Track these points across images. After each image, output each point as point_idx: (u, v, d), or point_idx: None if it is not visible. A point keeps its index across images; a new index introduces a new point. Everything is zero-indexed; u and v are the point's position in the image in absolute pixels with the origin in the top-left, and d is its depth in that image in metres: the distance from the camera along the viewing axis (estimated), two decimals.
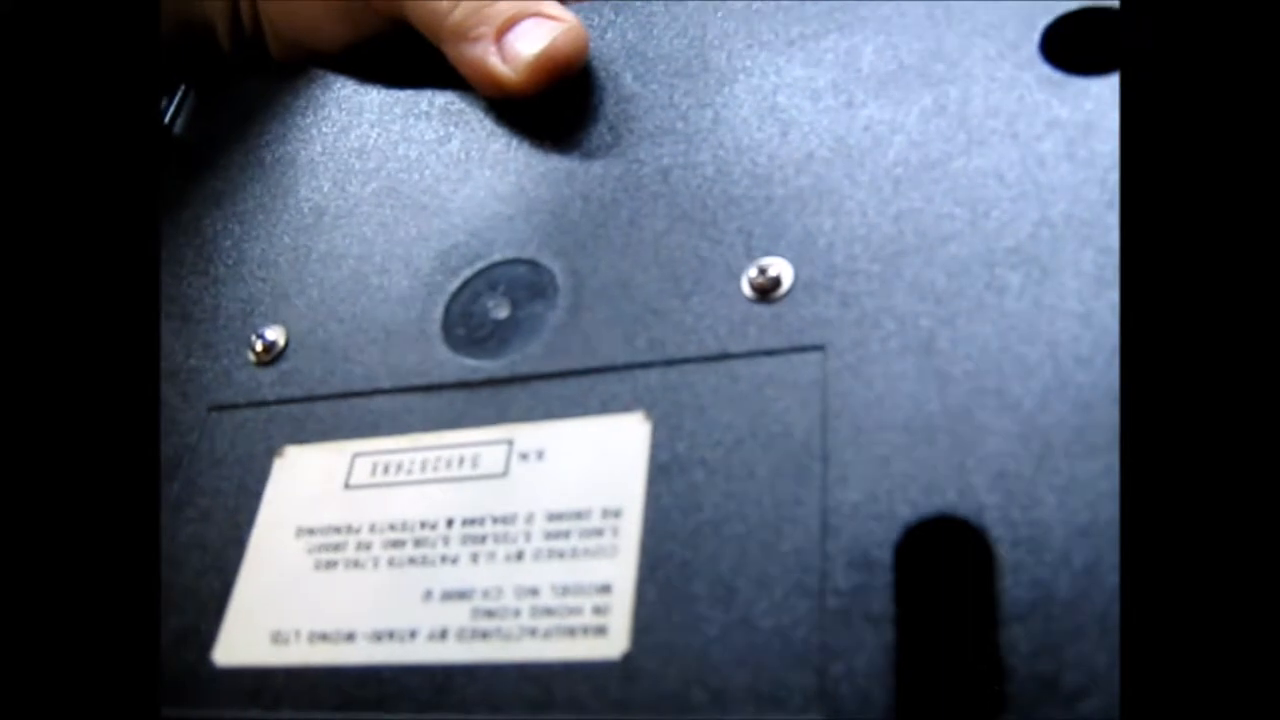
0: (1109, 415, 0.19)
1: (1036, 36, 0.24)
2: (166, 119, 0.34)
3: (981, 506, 0.19)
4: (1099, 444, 0.18)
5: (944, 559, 0.19)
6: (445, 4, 0.28)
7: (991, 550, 0.18)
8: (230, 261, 0.29)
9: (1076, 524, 0.18)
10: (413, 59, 0.30)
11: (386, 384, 0.25)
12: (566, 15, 0.28)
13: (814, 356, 0.21)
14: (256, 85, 0.33)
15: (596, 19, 0.29)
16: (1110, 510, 0.18)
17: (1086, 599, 0.17)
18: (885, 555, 0.19)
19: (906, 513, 0.19)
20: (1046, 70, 0.23)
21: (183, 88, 0.35)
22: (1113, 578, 0.17)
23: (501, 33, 0.28)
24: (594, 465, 0.22)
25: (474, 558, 0.21)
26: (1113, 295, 0.20)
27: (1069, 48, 0.23)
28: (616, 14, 0.29)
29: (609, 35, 0.29)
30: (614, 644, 0.19)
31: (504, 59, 0.27)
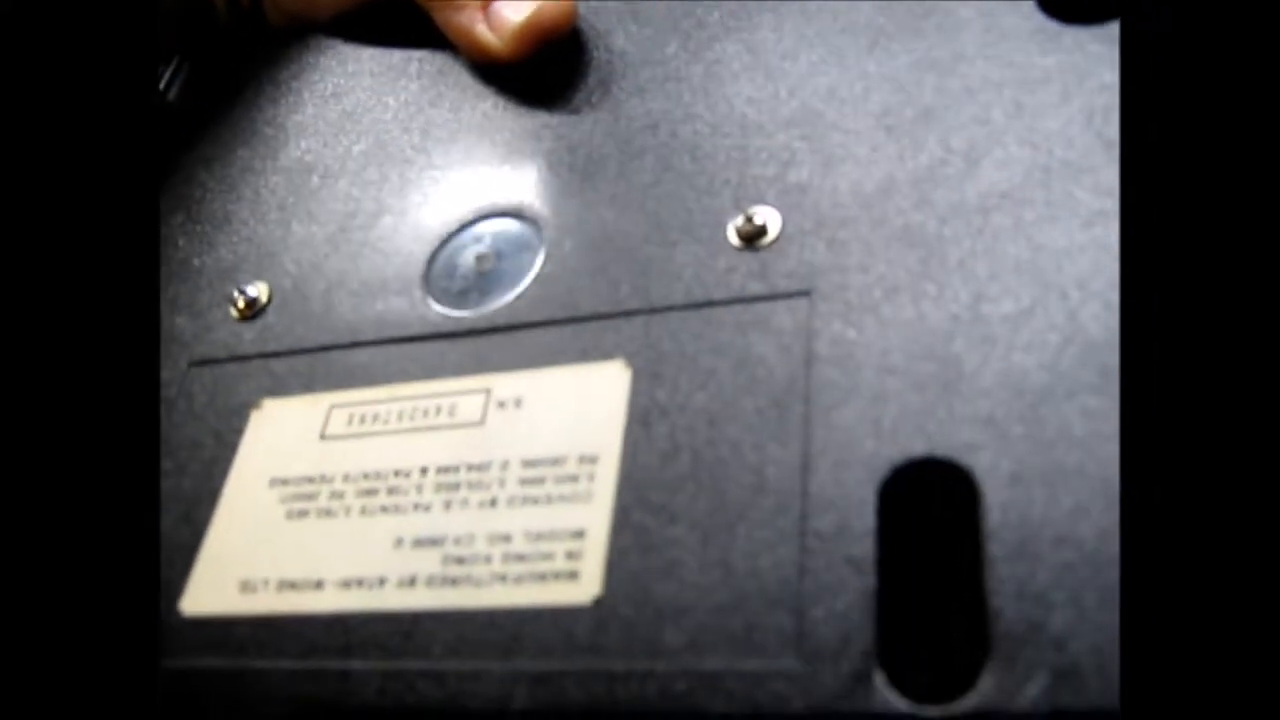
0: (1099, 358, 0.18)
1: None
2: (162, 87, 0.34)
3: (968, 447, 0.18)
4: (1089, 386, 0.18)
5: (929, 501, 0.18)
6: None
7: (978, 491, 0.17)
8: (217, 221, 0.29)
9: (1065, 465, 0.17)
10: (405, 24, 0.30)
11: (367, 337, 0.24)
12: None
13: (800, 302, 0.21)
14: (249, 51, 0.33)
15: None
16: (1100, 452, 0.17)
17: (1075, 540, 0.16)
18: (869, 497, 0.18)
19: (891, 454, 0.18)
20: (1043, 20, 0.23)
21: (178, 58, 0.34)
22: (1101, 519, 0.16)
23: None
24: (572, 412, 0.21)
25: (447, 505, 0.21)
26: (1105, 239, 0.19)
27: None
28: None
29: None
30: (585, 589, 0.19)
31: (491, 26, 0.27)
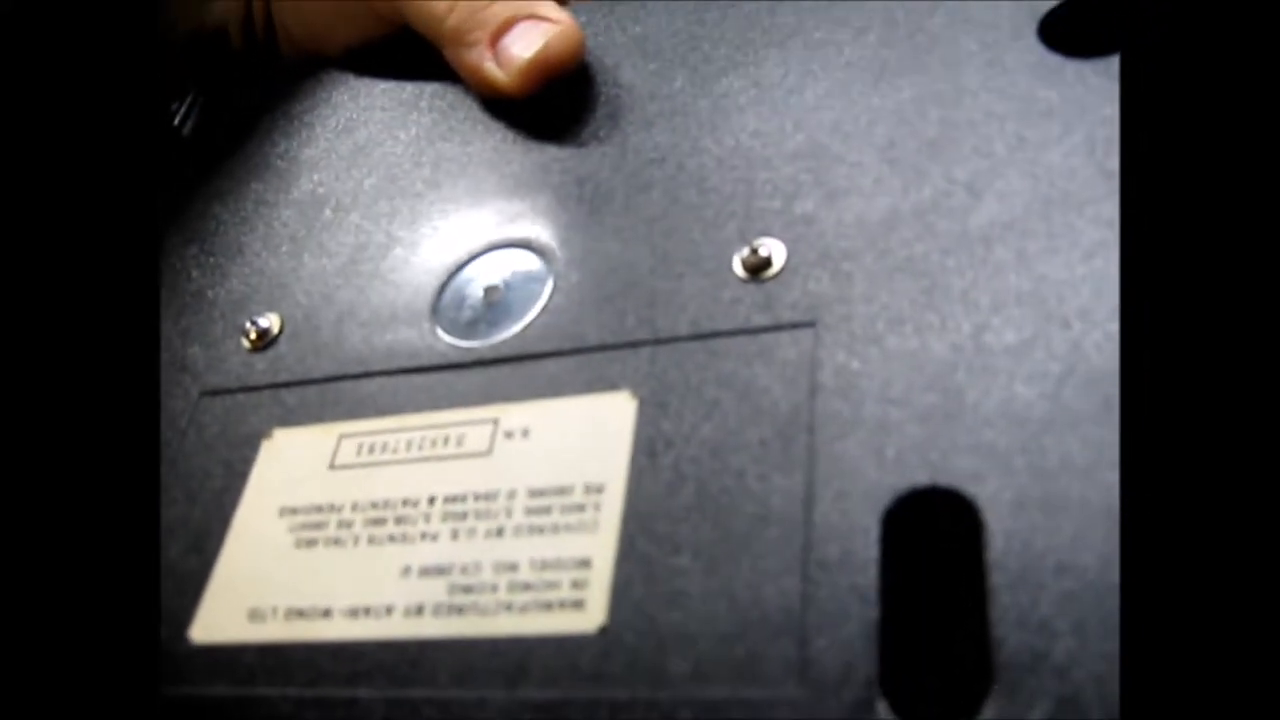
0: (1101, 388, 0.18)
1: (1035, 22, 0.23)
2: (176, 121, 0.34)
3: (970, 477, 0.18)
4: (1091, 416, 0.18)
5: (932, 530, 0.18)
6: (442, 6, 0.28)
7: (980, 521, 0.17)
8: (229, 252, 0.29)
9: (1067, 495, 0.17)
10: (416, 59, 0.30)
11: (377, 367, 0.25)
12: (562, 16, 0.28)
13: (805, 333, 0.21)
14: (262, 85, 0.33)
15: (594, 15, 0.29)
16: (1101, 481, 0.17)
17: (1077, 569, 0.16)
18: (872, 526, 0.18)
19: (894, 483, 0.18)
20: (1044, 54, 0.23)
21: (193, 92, 0.35)
22: (1103, 548, 0.16)
23: (497, 36, 0.28)
24: (579, 442, 0.21)
25: (454, 534, 0.21)
26: (1106, 270, 0.19)
27: (1068, 33, 0.23)
28: (614, 10, 0.29)
29: (607, 30, 0.29)
30: (591, 617, 0.19)
31: (499, 63, 0.28)
